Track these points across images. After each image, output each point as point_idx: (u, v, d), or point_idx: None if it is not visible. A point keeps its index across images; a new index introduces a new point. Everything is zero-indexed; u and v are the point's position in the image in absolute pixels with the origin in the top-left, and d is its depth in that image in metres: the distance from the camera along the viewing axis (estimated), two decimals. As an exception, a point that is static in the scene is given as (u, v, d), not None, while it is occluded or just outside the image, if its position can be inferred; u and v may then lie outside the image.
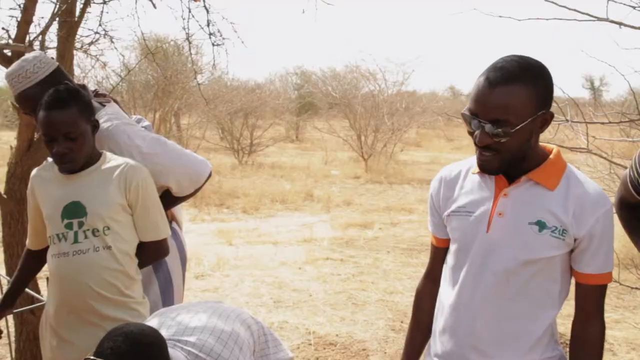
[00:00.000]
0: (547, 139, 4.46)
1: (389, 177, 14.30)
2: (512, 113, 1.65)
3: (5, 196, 3.36)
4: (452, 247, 1.95)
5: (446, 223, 1.95)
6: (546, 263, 1.77)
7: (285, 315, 5.52)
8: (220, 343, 2.01)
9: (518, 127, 1.66)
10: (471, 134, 1.74)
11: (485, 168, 1.78)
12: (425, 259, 7.32)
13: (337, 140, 18.76)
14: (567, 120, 3.98)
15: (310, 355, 4.72)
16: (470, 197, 1.87)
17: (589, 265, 1.77)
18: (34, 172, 2.51)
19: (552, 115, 1.73)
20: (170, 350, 1.88)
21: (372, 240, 8.52)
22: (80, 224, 2.33)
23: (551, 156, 1.82)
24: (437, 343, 1.98)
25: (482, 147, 1.73)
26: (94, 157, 2.40)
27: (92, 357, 1.68)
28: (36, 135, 3.32)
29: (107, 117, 2.61)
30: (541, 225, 1.75)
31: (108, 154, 2.45)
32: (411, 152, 20.20)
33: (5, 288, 2.74)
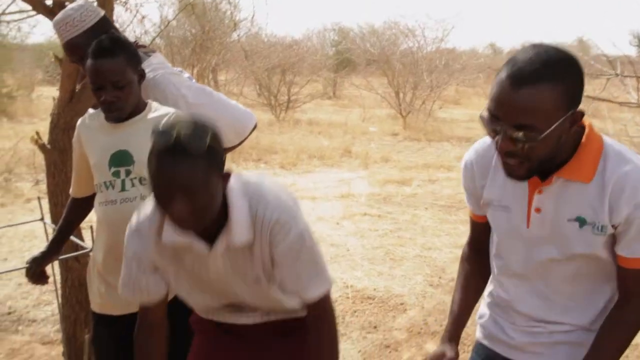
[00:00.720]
0: (596, 94, 4.35)
1: (428, 135, 14.15)
2: (539, 117, 1.46)
3: (49, 146, 3.39)
4: (494, 237, 1.86)
5: (484, 209, 1.84)
6: (596, 254, 1.65)
7: (323, 270, 5.54)
8: (290, 199, 1.89)
9: (546, 133, 1.47)
10: (492, 137, 1.58)
11: (511, 175, 1.60)
12: (463, 216, 7.29)
13: (375, 97, 18.58)
14: (616, 75, 3.87)
15: (348, 308, 4.75)
16: (504, 190, 1.74)
17: (624, 250, 1.62)
18: (79, 120, 2.52)
19: (582, 114, 1.52)
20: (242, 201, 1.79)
21: (410, 196, 8.48)
22: (128, 172, 2.34)
23: (583, 140, 1.61)
24: (495, 318, 1.91)
25: (506, 154, 1.55)
26: (140, 107, 2.39)
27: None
28: (77, 86, 3.33)
29: (153, 67, 2.60)
30: (581, 221, 1.61)
31: (154, 104, 2.45)
32: (450, 109, 19.95)
33: (50, 236, 2.79)
